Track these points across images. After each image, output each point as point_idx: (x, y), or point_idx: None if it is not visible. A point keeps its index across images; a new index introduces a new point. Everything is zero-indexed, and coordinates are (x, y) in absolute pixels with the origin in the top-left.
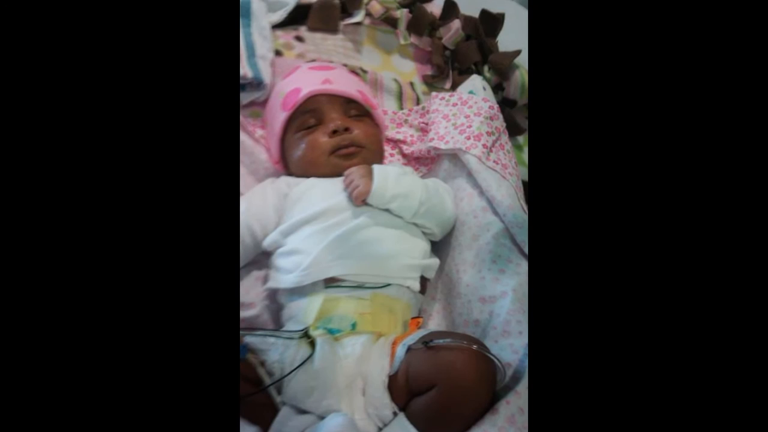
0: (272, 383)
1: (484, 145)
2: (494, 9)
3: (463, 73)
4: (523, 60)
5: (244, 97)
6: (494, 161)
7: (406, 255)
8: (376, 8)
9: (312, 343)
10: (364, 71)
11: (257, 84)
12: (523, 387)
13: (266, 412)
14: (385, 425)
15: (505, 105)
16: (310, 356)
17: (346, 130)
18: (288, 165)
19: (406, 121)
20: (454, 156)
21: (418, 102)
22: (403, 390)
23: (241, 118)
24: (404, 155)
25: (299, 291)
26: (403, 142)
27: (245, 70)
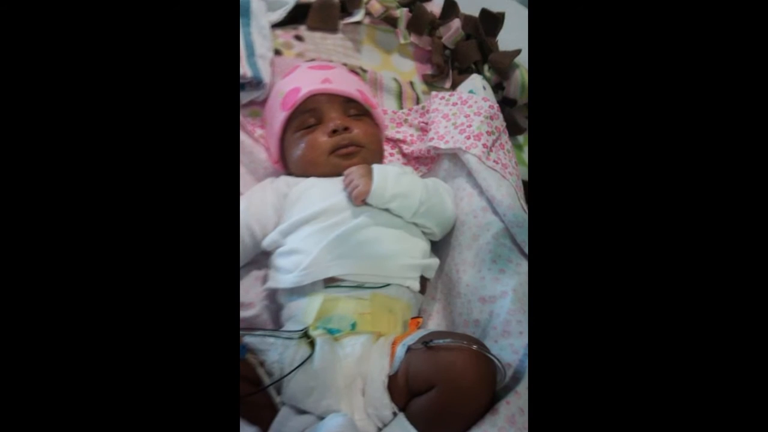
0: (272, 383)
1: (484, 145)
2: (494, 8)
3: (463, 72)
4: (523, 59)
5: (244, 97)
6: (494, 161)
7: (406, 255)
8: (376, 7)
9: (311, 343)
10: (364, 70)
11: (257, 83)
12: (523, 387)
13: (266, 412)
14: (385, 425)
15: (505, 104)
16: (310, 356)
17: (346, 129)
18: (287, 164)
19: (405, 120)
20: (454, 155)
21: (417, 101)
22: (403, 390)
23: (241, 118)
24: (404, 155)
25: (299, 291)
26: (403, 141)
27: (245, 69)
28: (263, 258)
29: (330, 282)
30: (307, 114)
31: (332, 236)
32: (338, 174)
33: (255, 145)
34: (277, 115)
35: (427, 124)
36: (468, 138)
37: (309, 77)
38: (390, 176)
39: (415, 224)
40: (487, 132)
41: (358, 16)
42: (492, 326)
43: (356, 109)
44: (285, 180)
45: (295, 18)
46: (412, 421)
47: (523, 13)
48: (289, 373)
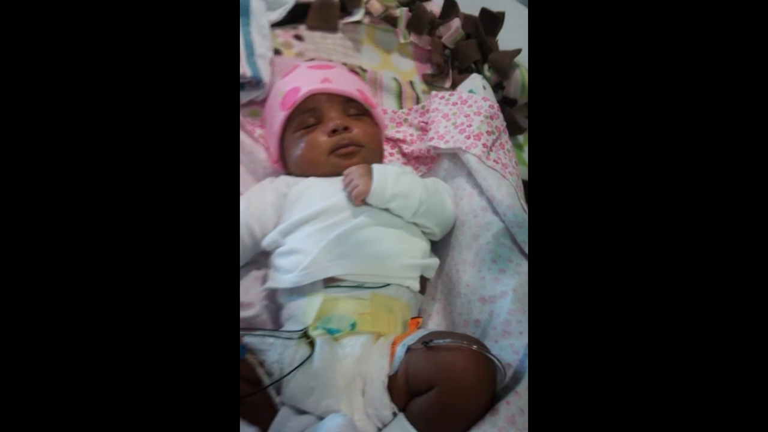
0: (271, 383)
1: (484, 145)
2: (494, 7)
3: (463, 71)
4: (523, 59)
5: (243, 96)
6: (494, 160)
7: (406, 255)
8: (376, 7)
9: (311, 344)
10: (364, 70)
11: (256, 83)
12: (523, 387)
13: (265, 412)
14: (385, 426)
15: (506, 104)
16: (310, 356)
17: (346, 129)
18: (287, 164)
19: (405, 120)
20: (454, 155)
21: (417, 101)
22: (403, 390)
23: (240, 118)
24: (404, 154)
25: (298, 291)
26: (403, 141)
27: (244, 68)
28: (263, 258)
29: (330, 282)
30: (306, 114)
31: (332, 236)
32: (338, 174)
33: (254, 145)
34: (277, 114)
35: (427, 123)
36: (468, 138)
37: (309, 77)
38: (390, 176)
39: (415, 224)
40: (487, 132)
41: (358, 15)
42: (492, 326)
43: (356, 109)
44: (285, 180)
45: (294, 17)
46: (412, 421)
47: (523, 12)
48: (289, 373)
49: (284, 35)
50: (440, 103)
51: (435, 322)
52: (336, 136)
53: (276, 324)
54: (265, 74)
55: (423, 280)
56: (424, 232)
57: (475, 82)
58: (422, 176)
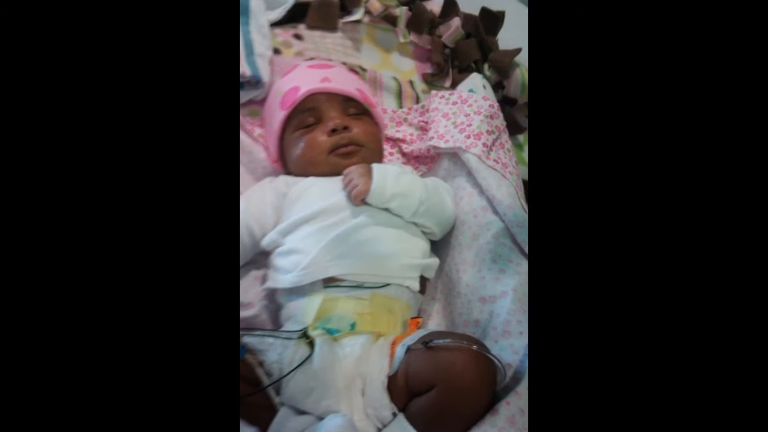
0: (271, 384)
1: (484, 144)
2: (494, 7)
3: (463, 71)
4: (523, 58)
5: (243, 96)
6: (494, 160)
7: (406, 254)
8: (376, 6)
9: (311, 344)
10: (364, 69)
11: (255, 82)
12: (523, 388)
13: (265, 412)
14: (385, 426)
15: (506, 103)
16: (309, 356)
17: (345, 128)
18: (287, 164)
19: (405, 119)
20: (454, 155)
21: (417, 100)
22: (403, 390)
23: (240, 117)
24: (404, 154)
25: (298, 291)
26: (403, 140)
27: (244, 68)
28: (262, 258)
29: (329, 282)
30: (306, 113)
31: (331, 236)
32: (337, 173)
33: (254, 145)
34: (276, 114)
35: (426, 123)
36: (468, 137)
37: (308, 76)
38: (389, 176)
39: (415, 224)
40: (487, 131)
41: (358, 14)
42: (492, 326)
43: (356, 108)
44: (284, 179)
45: (294, 17)
46: (412, 421)
47: (524, 11)
48: (289, 373)
49: (284, 34)
50: (440, 102)
51: (435, 322)
52: (335, 136)
53: (275, 324)
54: (265, 73)
55: (423, 280)
56: (424, 232)
57: (475, 81)
58: (422, 176)
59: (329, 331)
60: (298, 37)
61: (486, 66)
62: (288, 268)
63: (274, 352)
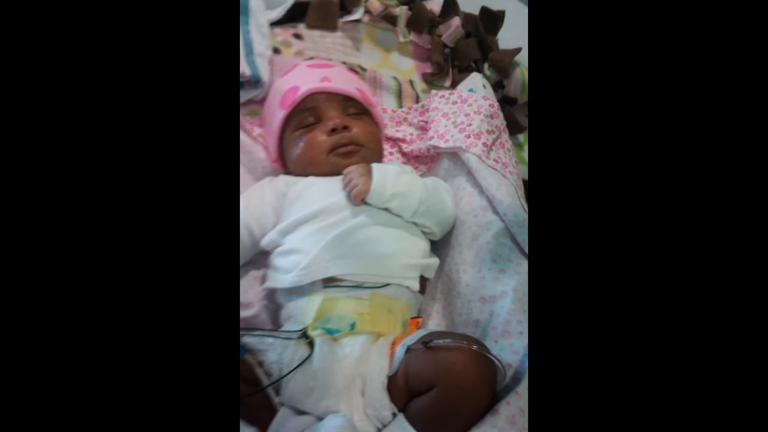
0: (270, 384)
1: (484, 144)
2: (494, 6)
3: (463, 70)
4: (523, 57)
5: (242, 95)
6: (494, 160)
7: (406, 254)
8: (375, 5)
9: (311, 344)
10: (363, 69)
11: (255, 82)
12: (523, 388)
13: (264, 413)
14: (385, 426)
15: (506, 103)
16: (309, 356)
17: (345, 128)
18: (286, 164)
19: (405, 119)
20: (454, 155)
21: (417, 100)
22: (403, 391)
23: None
24: (403, 154)
25: (298, 291)
26: (403, 140)
27: (243, 67)
28: (262, 258)
29: (329, 282)
30: (306, 113)
31: (331, 236)
32: (337, 173)
33: (253, 144)
34: (276, 113)
35: (426, 122)
36: (468, 137)
37: (308, 76)
38: (389, 175)
39: (415, 224)
40: (487, 131)
41: (358, 14)
42: (492, 326)
43: (355, 108)
44: (284, 179)
45: (293, 16)
46: (412, 421)
47: (524, 11)
48: (288, 373)
49: (283, 34)
50: (440, 102)
51: (435, 322)
52: (335, 136)
53: (275, 324)
54: (264, 73)
55: (423, 280)
56: (423, 232)
57: (475, 80)
58: (422, 175)
59: (329, 331)
60: (297, 36)
61: (486, 65)
62: (288, 268)
63: (273, 352)
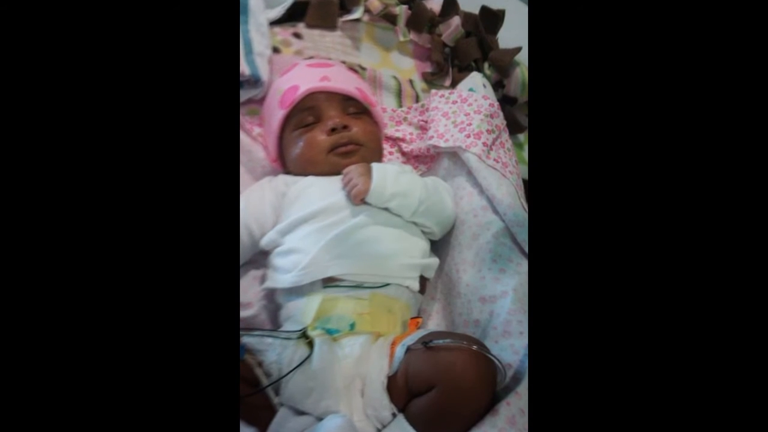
0: (270, 384)
1: (484, 143)
2: (494, 5)
3: (463, 70)
4: (523, 57)
5: (242, 95)
6: (494, 159)
7: (406, 254)
8: (375, 5)
9: (310, 344)
10: (363, 68)
11: (255, 81)
12: (523, 388)
13: (264, 413)
14: (384, 426)
15: (506, 102)
16: (309, 357)
17: (345, 127)
18: (286, 163)
19: (405, 118)
20: (454, 154)
21: (417, 99)
22: (403, 391)
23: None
24: (403, 153)
25: (297, 291)
26: (402, 140)
27: (243, 67)
28: (261, 257)
29: (329, 282)
30: (305, 112)
31: (331, 235)
32: (337, 173)
33: (253, 144)
34: (276, 113)
35: (426, 122)
36: (468, 136)
37: (307, 75)
38: (389, 175)
39: (415, 223)
40: (487, 130)
41: (357, 13)
42: (492, 326)
43: (355, 108)
44: (283, 179)
45: (293, 15)
46: (412, 422)
47: (524, 10)
48: (288, 373)
49: (283, 33)
50: (440, 101)
51: (435, 322)
52: (335, 135)
53: (274, 324)
54: (264, 72)
55: (423, 280)
56: (423, 232)
57: (475, 80)
58: (422, 175)
59: (329, 331)
60: (297, 35)
61: (486, 65)
62: (287, 267)
63: (273, 353)
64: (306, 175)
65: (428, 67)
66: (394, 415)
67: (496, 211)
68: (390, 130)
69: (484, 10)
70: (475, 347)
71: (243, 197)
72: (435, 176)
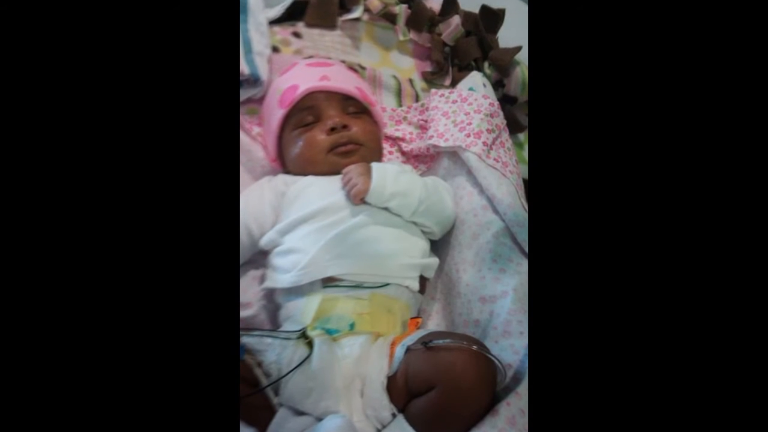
0: (269, 384)
1: (484, 143)
2: (494, 5)
3: (463, 69)
4: (523, 56)
5: (241, 94)
6: (494, 159)
7: (405, 254)
8: (375, 4)
9: (310, 344)
10: (363, 68)
11: (254, 81)
12: (523, 388)
13: (263, 413)
14: (384, 427)
15: (506, 102)
16: (308, 357)
17: (345, 127)
18: (285, 163)
19: (405, 118)
20: (454, 154)
21: (417, 99)
22: (402, 391)
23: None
24: (403, 153)
25: (297, 291)
26: (402, 139)
27: (242, 66)
28: (261, 257)
29: (328, 282)
30: (305, 112)
31: (331, 235)
32: (337, 172)
33: (252, 143)
34: (275, 112)
35: (426, 121)
36: (468, 136)
37: (307, 74)
38: (389, 175)
39: (415, 223)
40: (488, 130)
41: (357, 12)
42: (492, 326)
43: (355, 107)
44: (283, 178)
45: (293, 15)
46: (412, 422)
47: (524, 9)
48: (287, 373)
49: (282, 32)
50: (440, 101)
51: (435, 322)
52: (335, 135)
53: (274, 324)
54: (263, 72)
55: (422, 280)
56: (423, 232)
57: (475, 79)
58: (422, 175)
59: (328, 331)
60: (296, 35)
61: (486, 64)
62: (287, 267)
63: (272, 353)
64: (305, 174)
65: (428, 67)
66: (393, 416)
67: (496, 211)
68: (390, 130)
69: (484, 9)
70: (475, 347)
71: (242, 197)
72: (435, 176)
